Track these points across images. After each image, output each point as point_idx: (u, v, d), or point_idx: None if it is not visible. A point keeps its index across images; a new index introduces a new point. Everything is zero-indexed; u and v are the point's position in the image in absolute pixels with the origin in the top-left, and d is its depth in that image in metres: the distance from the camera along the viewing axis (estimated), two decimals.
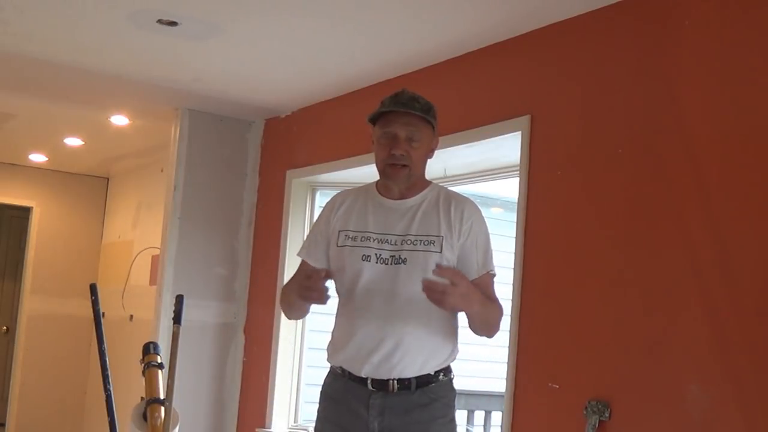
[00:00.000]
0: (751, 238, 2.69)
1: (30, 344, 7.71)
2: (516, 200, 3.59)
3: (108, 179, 8.06)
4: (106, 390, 2.45)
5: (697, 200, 2.86)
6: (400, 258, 2.40)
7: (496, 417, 5.28)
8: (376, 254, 2.42)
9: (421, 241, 2.42)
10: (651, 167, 3.03)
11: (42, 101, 5.49)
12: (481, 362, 5.28)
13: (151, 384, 2.40)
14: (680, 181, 2.92)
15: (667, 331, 2.89)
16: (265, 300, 5.26)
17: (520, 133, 3.58)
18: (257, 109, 5.35)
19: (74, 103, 5.46)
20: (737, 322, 2.69)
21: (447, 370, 2.48)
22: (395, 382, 2.39)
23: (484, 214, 2.54)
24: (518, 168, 3.60)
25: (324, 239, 2.56)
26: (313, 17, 3.71)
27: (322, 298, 2.36)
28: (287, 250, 5.10)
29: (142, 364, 2.49)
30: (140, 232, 7.08)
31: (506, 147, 3.78)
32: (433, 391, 2.43)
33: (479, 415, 5.65)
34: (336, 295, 2.56)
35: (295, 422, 5.12)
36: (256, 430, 5.14)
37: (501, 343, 3.64)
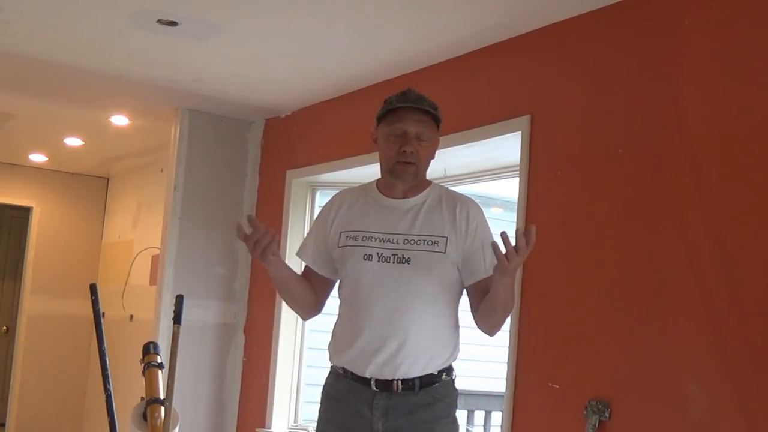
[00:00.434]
0: (751, 238, 2.69)
1: (30, 344, 7.71)
2: (516, 200, 3.59)
3: (108, 179, 8.06)
4: (106, 390, 2.45)
5: (697, 200, 2.86)
6: (403, 258, 2.40)
7: (496, 417, 5.28)
8: (378, 253, 2.41)
9: (424, 240, 2.41)
10: (651, 167, 3.03)
11: (42, 101, 5.49)
12: (481, 362, 5.28)
13: (151, 384, 2.40)
14: (680, 181, 2.92)
15: (667, 331, 2.89)
16: (265, 300, 5.26)
17: (520, 133, 3.58)
18: (257, 109, 5.35)
19: (74, 103, 5.46)
20: (737, 322, 2.69)
21: (450, 370, 2.48)
22: (399, 382, 2.39)
23: (485, 216, 2.54)
24: (518, 168, 3.60)
25: (322, 239, 2.56)
26: (313, 17, 3.71)
27: (265, 254, 2.32)
28: (287, 250, 5.09)
29: (142, 364, 2.49)
30: (140, 232, 7.08)
31: (506, 147, 3.78)
32: (437, 391, 2.43)
33: (479, 415, 5.65)
34: (337, 294, 2.57)
35: (295, 422, 5.12)
36: (256, 430, 5.14)
37: (501, 343, 3.64)
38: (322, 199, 5.19)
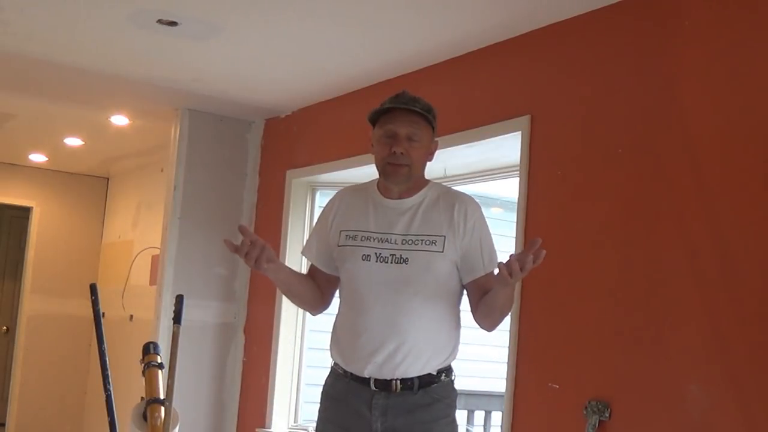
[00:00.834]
0: (751, 238, 2.69)
1: (30, 344, 7.71)
2: (516, 200, 3.59)
3: (108, 179, 8.06)
4: (106, 390, 2.45)
5: (697, 200, 2.86)
6: (401, 258, 2.40)
7: (496, 417, 5.28)
8: (376, 253, 2.42)
9: (422, 240, 2.42)
10: (651, 167, 3.04)
11: (42, 101, 5.49)
12: (481, 362, 5.28)
13: (151, 384, 2.40)
14: (680, 181, 2.92)
15: (667, 331, 2.89)
16: (265, 300, 5.26)
17: (520, 133, 3.58)
18: (257, 109, 5.35)
19: (74, 103, 5.46)
20: (737, 322, 2.69)
21: (449, 371, 2.48)
22: (398, 382, 2.39)
23: (484, 214, 2.54)
24: (518, 168, 3.61)
25: (324, 238, 2.57)
26: (313, 17, 3.71)
27: (259, 263, 2.32)
28: (287, 250, 5.10)
29: (142, 364, 2.49)
30: (140, 232, 7.08)
31: (506, 147, 3.78)
32: (436, 392, 2.43)
33: (479, 415, 5.65)
34: (338, 294, 2.58)
35: (295, 422, 5.12)
36: (256, 430, 5.14)
37: (501, 343, 3.65)
38: (322, 199, 5.19)
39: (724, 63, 2.85)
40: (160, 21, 3.82)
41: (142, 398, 2.38)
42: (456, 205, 2.46)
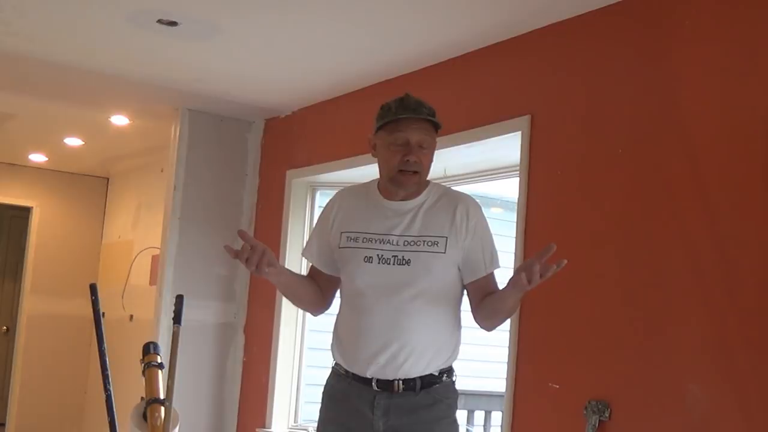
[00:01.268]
0: (751, 238, 2.69)
1: (30, 344, 7.71)
2: (516, 200, 3.59)
3: (108, 179, 8.05)
4: (106, 390, 2.45)
5: (697, 200, 2.86)
6: (403, 259, 2.40)
7: (496, 417, 5.28)
8: (378, 255, 2.42)
9: (424, 241, 2.42)
10: (651, 167, 3.04)
11: (42, 101, 5.49)
12: (481, 362, 5.28)
13: (151, 384, 2.40)
14: (680, 182, 2.92)
15: (667, 331, 2.89)
16: (265, 300, 5.26)
17: (520, 133, 3.58)
18: (257, 109, 5.35)
19: (74, 103, 5.46)
20: (737, 322, 2.69)
21: (450, 371, 2.48)
22: (400, 382, 2.40)
23: (484, 214, 2.54)
24: (518, 168, 3.61)
25: (324, 239, 2.56)
26: (313, 17, 3.71)
27: (260, 268, 2.31)
28: (287, 250, 5.10)
29: (142, 364, 2.49)
30: (140, 232, 7.08)
31: (506, 147, 3.78)
32: (438, 392, 2.43)
33: (479, 415, 5.65)
34: (339, 295, 2.58)
35: (295, 422, 5.12)
36: (256, 430, 5.14)
37: (501, 343, 3.65)
38: (322, 199, 5.19)
39: (724, 63, 2.85)
40: (160, 21, 3.82)
41: (142, 398, 2.38)
42: (458, 206, 2.46)
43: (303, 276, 2.66)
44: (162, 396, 2.35)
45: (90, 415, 7.60)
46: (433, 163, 2.55)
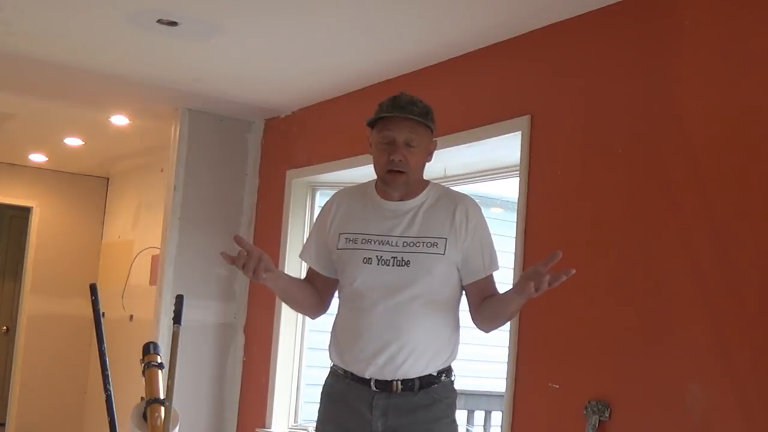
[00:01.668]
0: (751, 238, 2.69)
1: (30, 344, 7.71)
2: (516, 200, 3.59)
3: (108, 179, 8.06)
4: (106, 390, 2.45)
5: (697, 200, 2.86)
6: (402, 260, 2.40)
7: (496, 417, 5.28)
8: (377, 256, 2.41)
9: (423, 242, 2.41)
10: (651, 167, 3.03)
11: (42, 101, 5.49)
12: (481, 362, 5.28)
13: (151, 384, 2.40)
14: (680, 181, 2.92)
15: (667, 331, 2.89)
16: (265, 300, 5.26)
17: (520, 133, 3.58)
18: (257, 109, 5.35)
19: (74, 103, 5.46)
20: (737, 322, 2.69)
21: (449, 371, 2.48)
22: (399, 382, 2.39)
23: (484, 214, 2.53)
24: (518, 168, 3.60)
25: (322, 241, 2.56)
26: (313, 17, 3.71)
27: (257, 274, 2.32)
28: (287, 250, 5.10)
29: (142, 364, 2.49)
30: (140, 232, 7.08)
31: (506, 147, 3.78)
32: (436, 392, 2.43)
33: (479, 415, 5.65)
34: (338, 296, 2.58)
35: (295, 422, 5.12)
36: (256, 430, 5.14)
37: (501, 343, 3.65)
38: (322, 199, 5.19)
39: (723, 63, 2.85)
40: (160, 21, 3.82)
41: (142, 398, 2.38)
42: (457, 207, 2.45)
43: (300, 280, 2.65)
44: (162, 396, 2.35)
45: (90, 415, 7.60)
46: (432, 163, 2.55)
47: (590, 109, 3.33)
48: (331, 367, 2.55)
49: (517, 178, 3.62)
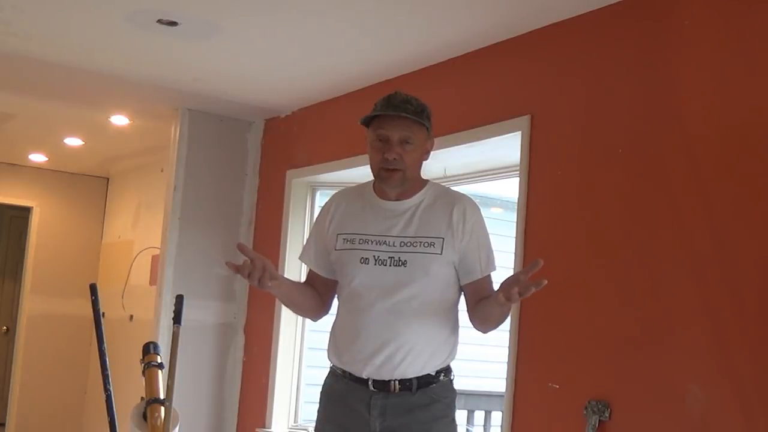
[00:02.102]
0: (751, 238, 2.69)
1: (30, 344, 7.71)
2: (516, 200, 3.59)
3: (108, 179, 8.06)
4: (106, 390, 2.45)
5: (697, 200, 2.86)
6: (400, 260, 2.39)
7: (496, 417, 5.29)
8: (374, 256, 2.41)
9: (421, 242, 2.41)
10: (651, 167, 3.03)
11: (42, 101, 5.49)
12: (481, 362, 5.28)
13: (151, 384, 2.40)
14: (680, 181, 2.92)
15: (667, 331, 2.89)
16: (265, 300, 5.26)
17: (520, 133, 3.58)
18: (257, 109, 5.35)
19: (74, 103, 5.46)
20: (737, 322, 2.69)
21: (447, 371, 2.48)
22: (396, 382, 2.39)
23: (483, 214, 2.53)
24: (518, 168, 3.60)
25: (321, 242, 2.56)
26: (313, 17, 3.71)
27: (263, 282, 2.30)
28: (287, 250, 5.10)
29: (142, 364, 2.49)
30: (140, 232, 7.08)
31: (506, 147, 3.78)
32: (434, 392, 2.43)
33: (479, 415, 5.65)
34: (337, 296, 2.58)
35: (295, 422, 5.12)
36: (256, 430, 5.14)
37: (501, 343, 3.65)
38: (322, 199, 5.19)
39: (723, 63, 2.85)
40: (160, 21, 3.82)
41: (142, 398, 2.38)
42: (455, 206, 2.45)
43: (301, 284, 2.64)
44: (162, 396, 2.35)
45: (90, 415, 7.60)
46: (432, 163, 2.54)
47: (590, 109, 3.33)
48: (331, 367, 2.55)
49: (517, 178, 3.62)
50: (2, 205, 8.18)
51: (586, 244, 3.25)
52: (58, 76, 4.80)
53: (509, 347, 3.50)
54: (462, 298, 2.51)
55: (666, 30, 3.06)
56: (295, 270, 5.01)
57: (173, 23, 3.84)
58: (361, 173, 4.38)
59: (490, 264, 2.46)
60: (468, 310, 2.49)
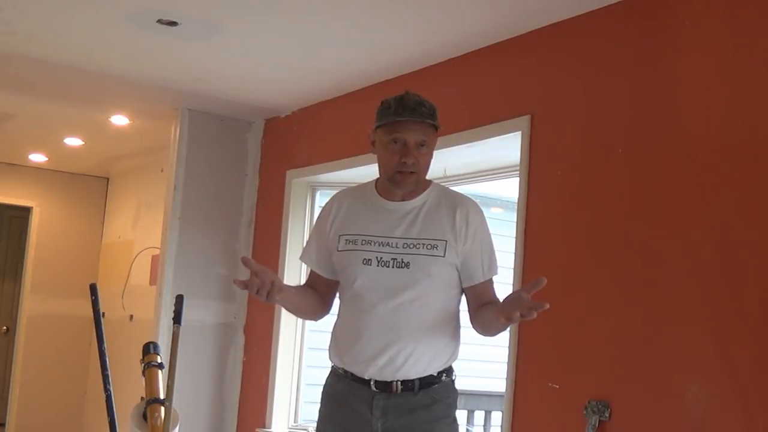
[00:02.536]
0: (751, 238, 2.69)
1: (30, 344, 7.71)
2: (516, 200, 3.59)
3: (108, 179, 8.06)
4: (106, 390, 2.45)
5: (697, 200, 2.86)
6: (402, 262, 2.39)
7: (496, 417, 5.28)
8: (377, 257, 2.41)
9: (424, 244, 2.40)
10: (651, 167, 3.03)
11: (42, 101, 5.49)
12: (481, 362, 5.28)
13: (151, 384, 2.40)
14: (680, 181, 2.92)
15: (667, 330, 2.89)
16: None
17: (520, 133, 3.58)
18: (257, 109, 5.35)
19: (74, 103, 5.46)
20: (737, 322, 2.69)
21: (449, 371, 2.48)
22: (399, 383, 2.39)
23: (485, 216, 2.53)
24: (518, 168, 3.60)
25: (322, 243, 2.55)
26: (313, 17, 3.71)
27: (271, 297, 2.29)
28: (287, 250, 5.10)
29: (142, 364, 2.49)
30: (140, 232, 7.08)
31: (506, 147, 3.78)
32: (436, 392, 2.43)
33: (479, 415, 5.65)
34: (338, 297, 2.58)
35: (295, 422, 5.12)
36: (256, 430, 5.14)
37: (501, 343, 3.64)
38: (322, 199, 5.19)
39: (723, 63, 2.85)
40: (160, 21, 3.82)
41: (142, 398, 2.38)
42: (458, 209, 2.44)
43: (303, 288, 2.63)
44: (162, 396, 2.35)
45: (90, 415, 7.60)
46: (432, 163, 2.54)
47: (590, 109, 3.33)
48: (332, 367, 2.55)
49: (517, 178, 3.62)
50: (2, 205, 8.17)
51: (586, 244, 3.25)
52: (58, 76, 4.79)
53: (509, 347, 3.50)
54: (463, 299, 2.52)
55: (666, 30, 3.06)
56: (295, 270, 5.02)
57: (173, 23, 3.84)
58: (362, 173, 4.39)
59: (493, 267, 2.46)
60: (469, 313, 2.48)
